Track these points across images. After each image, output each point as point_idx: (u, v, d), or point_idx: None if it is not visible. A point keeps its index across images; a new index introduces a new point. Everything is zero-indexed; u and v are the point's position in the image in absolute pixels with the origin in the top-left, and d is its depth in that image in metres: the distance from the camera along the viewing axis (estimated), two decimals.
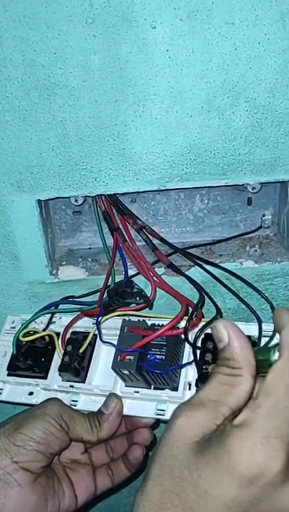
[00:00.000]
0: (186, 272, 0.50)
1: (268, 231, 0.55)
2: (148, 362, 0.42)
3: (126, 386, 0.44)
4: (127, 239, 0.50)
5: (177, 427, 0.31)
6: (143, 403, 0.45)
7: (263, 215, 0.54)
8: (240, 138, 0.44)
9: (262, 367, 0.31)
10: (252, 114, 0.43)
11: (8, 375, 0.48)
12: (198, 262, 0.50)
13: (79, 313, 0.48)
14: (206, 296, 0.47)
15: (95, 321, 0.47)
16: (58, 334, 0.48)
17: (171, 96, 0.41)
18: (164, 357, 0.42)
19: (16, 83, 0.40)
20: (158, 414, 0.44)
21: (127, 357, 0.42)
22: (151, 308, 0.48)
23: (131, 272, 0.49)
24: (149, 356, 0.42)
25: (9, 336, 0.50)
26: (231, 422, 0.30)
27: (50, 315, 0.49)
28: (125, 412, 0.44)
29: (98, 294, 0.48)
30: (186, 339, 0.43)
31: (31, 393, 0.47)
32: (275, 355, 0.30)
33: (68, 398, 0.46)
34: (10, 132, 0.43)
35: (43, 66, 0.40)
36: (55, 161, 0.44)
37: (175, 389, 0.43)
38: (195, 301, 0.46)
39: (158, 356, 0.42)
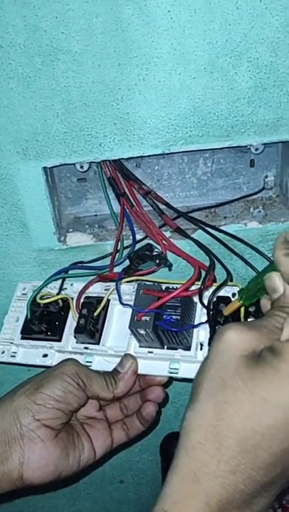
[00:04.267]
0: (192, 235, 0.51)
1: (270, 192, 0.55)
2: (164, 321, 0.44)
3: (140, 347, 0.46)
4: (134, 204, 0.50)
5: (229, 339, 0.30)
6: (157, 363, 0.46)
7: (266, 177, 0.54)
8: (244, 99, 0.44)
9: None
10: (254, 74, 0.43)
11: (22, 338, 0.49)
12: (202, 225, 0.51)
13: (91, 277, 0.49)
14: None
15: (106, 287, 0.49)
16: (71, 298, 0.49)
17: (174, 58, 0.42)
18: (179, 317, 0.44)
19: (19, 49, 0.40)
20: (171, 373, 0.45)
21: (144, 317, 0.44)
22: (170, 269, 0.49)
23: (138, 237, 0.51)
24: (164, 316, 0.44)
25: (21, 302, 0.51)
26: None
27: (61, 281, 0.50)
28: (139, 371, 0.46)
29: (106, 259, 0.50)
30: (201, 300, 0.44)
31: (46, 355, 0.49)
32: None
33: (83, 359, 0.48)
34: (14, 100, 0.43)
35: (46, 31, 0.40)
36: (60, 128, 0.44)
37: (188, 348, 0.45)
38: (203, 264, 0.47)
39: (173, 316, 0.44)
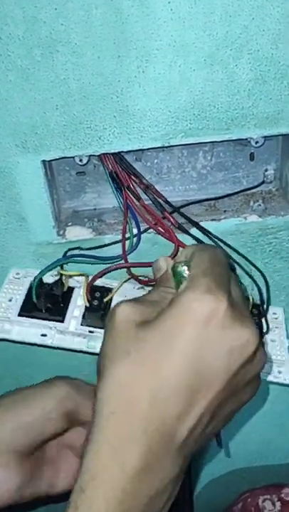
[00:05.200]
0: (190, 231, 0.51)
1: (270, 186, 0.55)
2: None
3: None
4: (138, 197, 0.50)
5: (122, 312, 0.33)
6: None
7: (266, 170, 0.54)
8: (244, 91, 0.44)
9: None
10: (255, 66, 0.43)
11: (20, 315, 0.49)
12: (196, 221, 0.51)
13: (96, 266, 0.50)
14: None
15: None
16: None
17: (174, 50, 0.41)
18: None
19: (18, 41, 0.40)
20: None
21: None
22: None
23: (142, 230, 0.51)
24: None
25: (13, 285, 0.51)
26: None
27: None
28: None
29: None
30: None
31: (44, 335, 0.49)
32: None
33: (86, 343, 0.48)
34: (13, 92, 0.42)
35: (45, 23, 0.39)
36: (60, 121, 0.44)
37: None
38: None
39: None
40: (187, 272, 0.35)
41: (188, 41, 0.41)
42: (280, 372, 0.49)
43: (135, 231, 0.50)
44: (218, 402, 0.32)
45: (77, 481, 0.30)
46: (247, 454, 0.77)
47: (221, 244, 0.51)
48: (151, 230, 0.50)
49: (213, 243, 0.51)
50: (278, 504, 0.71)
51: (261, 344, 0.33)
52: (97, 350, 0.46)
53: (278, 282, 0.56)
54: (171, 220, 0.50)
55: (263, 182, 0.54)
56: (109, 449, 0.30)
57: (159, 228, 0.50)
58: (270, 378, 0.49)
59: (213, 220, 0.52)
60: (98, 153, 0.47)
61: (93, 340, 0.48)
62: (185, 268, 0.36)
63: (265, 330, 0.51)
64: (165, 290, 0.36)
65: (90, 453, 0.30)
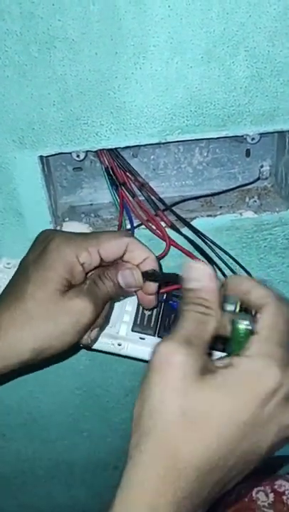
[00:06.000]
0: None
1: (265, 182, 0.56)
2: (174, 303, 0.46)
3: (132, 331, 0.47)
4: (133, 194, 0.51)
5: (177, 360, 0.29)
6: (147, 349, 0.47)
7: (261, 167, 0.55)
8: (240, 88, 0.44)
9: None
10: (251, 63, 0.43)
11: None
12: (191, 217, 0.52)
13: None
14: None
15: None
16: None
17: (171, 47, 0.41)
18: None
19: (15, 37, 0.40)
20: None
21: None
22: None
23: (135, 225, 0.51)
24: (171, 302, 0.46)
25: (3, 274, 0.50)
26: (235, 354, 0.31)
27: None
28: (128, 353, 0.47)
29: None
30: None
31: None
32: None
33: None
34: (10, 88, 0.42)
35: (42, 18, 0.39)
36: (57, 117, 0.44)
37: None
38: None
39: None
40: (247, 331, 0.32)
41: (185, 38, 0.41)
42: None
43: (130, 227, 0.50)
44: (249, 470, 0.32)
45: None
46: None
47: (212, 245, 0.52)
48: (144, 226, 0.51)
49: (203, 242, 0.51)
50: (271, 495, 0.71)
51: None
52: None
53: (273, 278, 0.57)
54: (164, 218, 0.50)
55: (258, 178, 0.55)
56: (146, 506, 0.29)
57: (151, 226, 0.50)
58: None
59: (208, 215, 0.52)
60: (95, 149, 0.47)
61: None
62: (248, 328, 0.32)
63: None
64: (202, 320, 0.32)
65: (125, 505, 0.29)
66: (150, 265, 0.42)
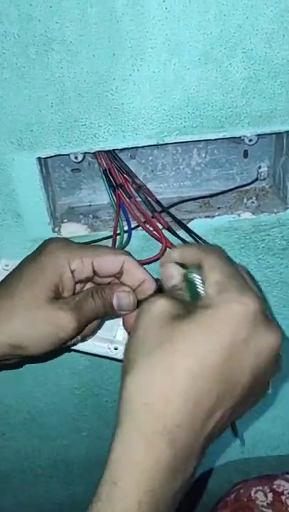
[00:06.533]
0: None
1: (263, 183, 0.56)
2: None
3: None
4: (130, 195, 0.51)
5: (159, 305, 0.33)
6: None
7: (259, 168, 0.55)
8: (238, 90, 0.44)
9: None
10: (249, 65, 0.43)
11: None
12: (189, 218, 0.52)
13: None
14: None
15: None
16: None
17: (169, 49, 0.42)
18: None
19: (13, 39, 0.40)
20: None
21: None
22: None
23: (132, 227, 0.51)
24: None
25: (2, 276, 0.50)
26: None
27: None
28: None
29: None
30: None
31: None
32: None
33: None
34: (8, 90, 0.43)
35: (40, 21, 0.40)
36: (55, 118, 0.44)
37: None
38: None
39: None
40: (199, 280, 0.35)
41: (182, 40, 0.41)
42: None
43: (127, 228, 0.51)
44: (241, 400, 0.32)
45: (107, 473, 0.30)
46: (240, 446, 0.78)
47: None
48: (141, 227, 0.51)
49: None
50: (270, 495, 0.72)
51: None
52: (80, 347, 0.47)
53: (271, 278, 0.57)
54: (161, 220, 0.50)
55: (256, 179, 0.55)
56: (142, 442, 0.30)
57: (148, 227, 0.50)
58: None
59: (207, 216, 0.52)
60: (93, 151, 0.47)
61: None
62: (198, 277, 0.35)
63: None
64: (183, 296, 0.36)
65: (122, 445, 0.31)
66: (148, 289, 0.43)
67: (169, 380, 0.30)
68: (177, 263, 0.37)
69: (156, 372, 0.30)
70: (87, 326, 0.43)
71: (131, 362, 0.32)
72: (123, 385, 0.31)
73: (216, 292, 0.32)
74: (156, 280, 0.42)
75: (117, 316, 0.44)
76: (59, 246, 0.42)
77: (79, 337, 0.43)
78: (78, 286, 0.43)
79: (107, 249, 0.43)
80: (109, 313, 0.43)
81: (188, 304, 0.34)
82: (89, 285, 0.44)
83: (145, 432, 0.30)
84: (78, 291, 0.43)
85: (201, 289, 0.34)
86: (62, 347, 0.42)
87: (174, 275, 0.37)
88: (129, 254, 0.43)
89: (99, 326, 0.47)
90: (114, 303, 0.42)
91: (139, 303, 0.42)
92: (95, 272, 0.42)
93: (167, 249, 0.46)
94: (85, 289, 0.44)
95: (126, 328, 0.44)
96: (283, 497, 0.72)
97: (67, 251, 0.42)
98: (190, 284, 0.35)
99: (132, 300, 0.42)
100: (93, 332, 0.46)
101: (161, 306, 0.33)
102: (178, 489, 0.31)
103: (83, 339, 0.45)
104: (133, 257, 0.43)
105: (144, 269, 0.43)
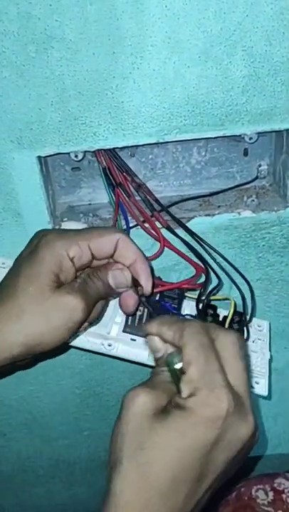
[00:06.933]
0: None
1: (264, 181, 0.56)
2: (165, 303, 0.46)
3: (123, 332, 0.47)
4: (130, 194, 0.51)
5: (139, 403, 0.34)
6: (137, 351, 0.47)
7: (259, 166, 0.55)
8: (238, 88, 0.44)
9: None
10: (249, 63, 0.43)
11: None
12: (186, 220, 0.52)
13: None
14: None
15: None
16: None
17: (169, 46, 0.41)
18: (176, 306, 0.46)
19: (12, 37, 0.40)
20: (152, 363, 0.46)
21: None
22: None
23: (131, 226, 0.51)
24: (163, 303, 0.46)
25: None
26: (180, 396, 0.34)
27: None
28: (118, 354, 0.47)
29: None
30: (199, 298, 0.47)
31: None
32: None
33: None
34: (8, 88, 0.43)
35: (39, 19, 0.40)
36: (55, 117, 0.44)
37: None
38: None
39: (172, 305, 0.45)
40: (178, 371, 0.35)
41: (182, 38, 0.41)
42: (257, 383, 0.49)
43: (126, 227, 0.50)
44: (216, 482, 0.35)
45: None
46: None
47: (207, 246, 0.52)
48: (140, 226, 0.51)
49: (199, 245, 0.51)
50: (271, 494, 0.72)
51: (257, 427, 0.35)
52: (75, 343, 0.47)
53: (271, 276, 0.57)
54: (160, 219, 0.50)
55: (256, 177, 0.55)
56: None
57: (147, 226, 0.50)
58: None
59: (207, 215, 0.52)
60: (93, 149, 0.47)
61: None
62: (179, 365, 0.35)
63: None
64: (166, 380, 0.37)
65: None
66: (141, 270, 0.42)
67: (148, 482, 0.33)
68: None
69: (138, 473, 0.33)
70: (93, 310, 0.43)
71: (117, 460, 0.34)
72: (110, 480, 0.34)
73: (188, 392, 0.33)
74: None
75: (117, 295, 0.44)
76: (53, 236, 0.42)
77: (86, 323, 0.43)
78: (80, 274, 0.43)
79: (101, 230, 0.43)
80: (110, 292, 0.43)
81: (170, 392, 0.35)
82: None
83: None
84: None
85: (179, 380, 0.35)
86: (72, 336, 0.42)
87: (158, 349, 0.37)
88: (122, 230, 0.43)
89: (102, 312, 0.46)
90: (110, 282, 0.42)
91: (134, 280, 0.42)
92: (93, 256, 0.42)
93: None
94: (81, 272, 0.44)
95: (123, 311, 0.45)
96: (284, 495, 0.72)
97: (63, 239, 0.41)
98: (172, 374, 0.36)
99: (127, 276, 0.42)
100: (98, 318, 0.46)
101: (143, 403, 0.34)
102: None
103: (90, 324, 0.44)
104: (127, 235, 0.43)
105: (137, 247, 0.43)
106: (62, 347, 0.43)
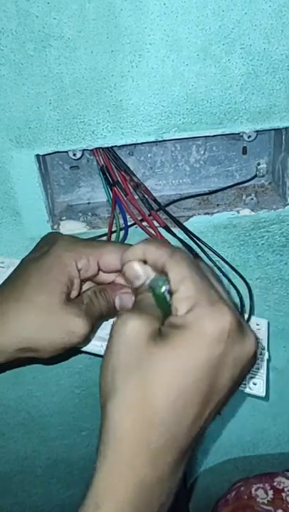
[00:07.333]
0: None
1: (263, 180, 0.56)
2: None
3: None
4: (127, 193, 0.50)
5: (133, 326, 0.32)
6: None
7: (258, 164, 0.55)
8: (236, 86, 0.44)
9: None
10: (247, 61, 0.43)
11: None
12: (185, 218, 0.52)
13: None
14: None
15: None
16: None
17: (167, 44, 0.41)
18: None
19: (11, 35, 0.40)
20: None
21: None
22: None
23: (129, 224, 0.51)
24: None
25: None
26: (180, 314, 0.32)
27: None
28: None
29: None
30: None
31: None
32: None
33: None
34: (6, 87, 0.42)
35: (37, 17, 0.39)
36: (53, 115, 0.44)
37: None
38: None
39: None
40: (167, 293, 0.33)
41: (181, 36, 0.41)
42: (254, 384, 0.47)
43: (124, 226, 0.50)
44: (221, 404, 0.33)
45: (90, 495, 0.31)
46: (240, 444, 0.78)
47: (203, 246, 0.52)
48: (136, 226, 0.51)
49: (196, 244, 0.51)
50: (270, 492, 0.72)
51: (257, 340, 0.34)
52: None
53: (270, 275, 0.57)
54: (158, 218, 0.50)
55: (255, 176, 0.55)
56: (125, 466, 0.30)
57: (144, 225, 0.50)
58: (246, 390, 0.46)
59: (206, 213, 0.52)
60: (92, 148, 0.47)
61: None
62: (166, 289, 0.33)
63: None
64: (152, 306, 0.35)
65: (105, 468, 0.31)
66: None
67: (150, 406, 0.30)
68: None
69: (138, 399, 0.31)
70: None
71: (111, 390, 0.31)
72: (105, 414, 0.31)
73: (186, 309, 0.32)
74: None
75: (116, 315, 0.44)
76: (64, 245, 0.41)
77: None
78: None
79: (112, 246, 0.42)
80: (112, 313, 0.43)
81: (160, 317, 0.33)
82: (88, 283, 0.44)
83: (129, 456, 0.30)
84: (84, 291, 0.43)
85: (169, 301, 0.33)
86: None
87: (139, 275, 0.36)
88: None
89: (97, 326, 0.46)
90: (116, 304, 0.42)
91: None
92: (99, 269, 0.42)
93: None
94: (84, 286, 0.44)
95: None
96: (283, 494, 0.72)
97: (74, 251, 0.41)
98: (158, 298, 0.34)
99: (133, 300, 0.41)
100: (94, 332, 0.46)
101: (133, 328, 0.32)
102: (164, 500, 0.32)
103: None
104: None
105: None
106: (62, 356, 0.43)
